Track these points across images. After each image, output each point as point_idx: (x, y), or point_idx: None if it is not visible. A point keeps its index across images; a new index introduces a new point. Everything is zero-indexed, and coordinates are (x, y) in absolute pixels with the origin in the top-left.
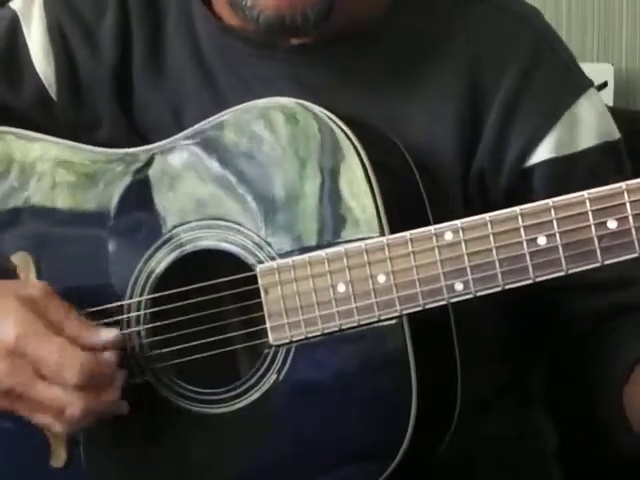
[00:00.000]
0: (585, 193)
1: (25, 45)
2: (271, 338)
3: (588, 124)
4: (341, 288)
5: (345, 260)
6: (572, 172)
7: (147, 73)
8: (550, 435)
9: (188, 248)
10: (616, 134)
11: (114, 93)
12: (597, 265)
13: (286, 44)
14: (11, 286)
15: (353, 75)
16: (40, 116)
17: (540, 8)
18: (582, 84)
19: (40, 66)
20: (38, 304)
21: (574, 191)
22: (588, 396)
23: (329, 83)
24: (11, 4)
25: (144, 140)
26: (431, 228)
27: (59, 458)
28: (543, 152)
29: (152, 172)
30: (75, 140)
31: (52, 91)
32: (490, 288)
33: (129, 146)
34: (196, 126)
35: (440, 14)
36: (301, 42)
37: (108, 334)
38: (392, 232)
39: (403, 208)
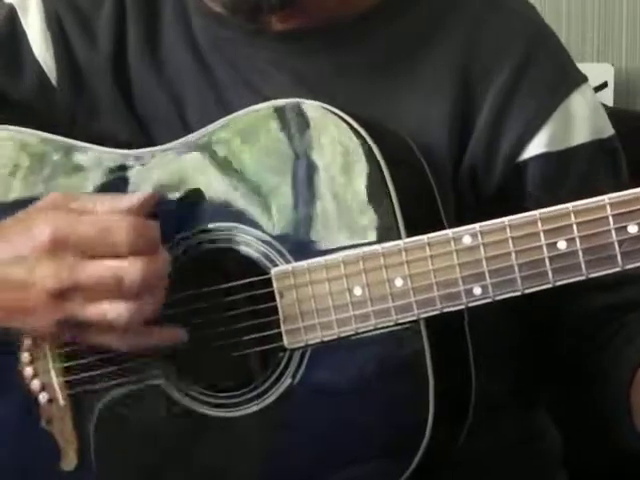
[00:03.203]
0: (605, 197)
1: (24, 33)
2: (286, 342)
3: (581, 120)
4: (357, 292)
5: (361, 263)
6: (566, 169)
7: (145, 63)
8: (555, 438)
9: (202, 249)
10: (609, 131)
11: (114, 81)
12: (617, 270)
13: (272, 29)
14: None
15: (344, 66)
16: (40, 103)
17: (540, 8)
18: (575, 80)
19: (39, 52)
20: (62, 201)
21: (567, 189)
22: (594, 396)
23: (324, 75)
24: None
25: (145, 129)
26: (449, 232)
27: (69, 461)
28: (536, 146)
29: (158, 175)
30: (74, 128)
31: (52, 77)
32: (509, 292)
33: (129, 134)
34: (200, 131)
35: (435, 8)
36: (287, 27)
37: (137, 195)
38: (408, 235)
39: (419, 210)
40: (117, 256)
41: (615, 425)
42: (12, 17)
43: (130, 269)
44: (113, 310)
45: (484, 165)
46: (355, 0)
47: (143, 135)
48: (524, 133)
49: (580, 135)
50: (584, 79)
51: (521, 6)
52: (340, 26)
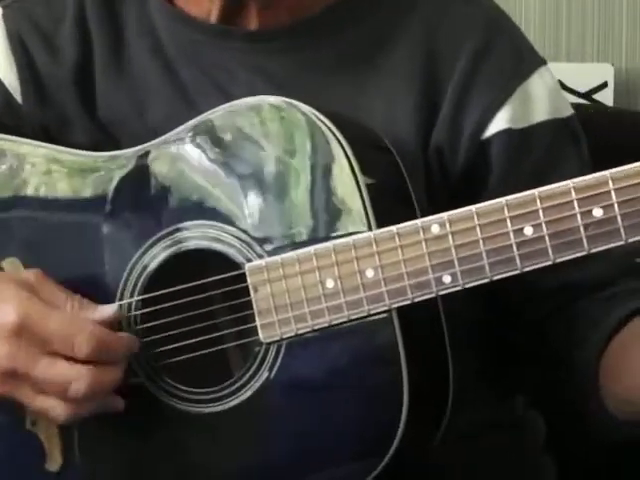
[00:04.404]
0: (570, 182)
1: None
2: (261, 336)
3: (540, 100)
4: (330, 284)
5: (333, 256)
6: (528, 144)
7: (110, 74)
8: (536, 425)
9: (179, 247)
10: (568, 111)
11: (78, 95)
12: (584, 253)
13: (243, 29)
14: (4, 274)
15: (312, 62)
16: (9, 121)
17: (540, 8)
18: (533, 62)
19: (4, 74)
20: (34, 286)
21: (532, 163)
22: (565, 378)
23: (289, 70)
24: None
25: (110, 140)
26: (417, 222)
27: (54, 462)
28: (499, 123)
29: (143, 171)
30: (48, 140)
31: (17, 96)
32: (478, 280)
33: (95, 144)
34: (183, 126)
35: (396, 3)
36: (262, 25)
37: (108, 309)
38: (380, 226)
39: (390, 202)
40: (74, 358)
41: (585, 404)
42: None
43: (79, 378)
44: (53, 408)
45: (449, 145)
46: None
47: (109, 145)
48: (485, 112)
49: (540, 114)
50: (542, 62)
51: None
52: (307, 22)
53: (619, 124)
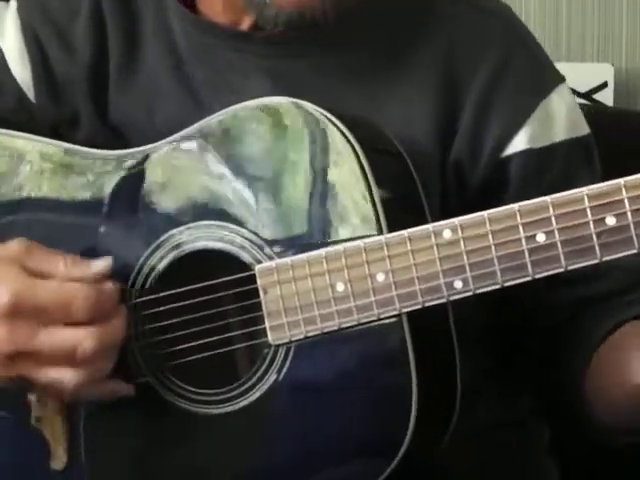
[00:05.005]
0: (584, 189)
1: (1, 55)
2: (270, 338)
3: (560, 118)
4: (340, 287)
5: (344, 259)
6: (547, 164)
7: (123, 73)
8: (540, 426)
9: (187, 248)
10: (585, 130)
11: (90, 93)
12: (596, 261)
13: (260, 35)
14: None
15: (326, 66)
16: (21, 118)
17: (540, 8)
18: (554, 80)
19: (16, 69)
20: (21, 258)
21: (549, 182)
22: (568, 382)
23: (304, 74)
24: None
25: (118, 139)
26: (429, 226)
27: (59, 460)
28: (519, 142)
29: (149, 172)
30: (59, 139)
31: (30, 93)
32: (489, 285)
33: (105, 145)
34: (193, 126)
35: (414, 12)
36: (274, 33)
37: (99, 264)
38: (390, 230)
39: (401, 206)
40: (74, 323)
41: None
42: None
43: (84, 340)
44: (64, 376)
45: (469, 160)
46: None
47: (119, 146)
48: (506, 130)
49: (559, 133)
50: (562, 79)
51: (498, 8)
52: (321, 30)
53: (619, 124)
